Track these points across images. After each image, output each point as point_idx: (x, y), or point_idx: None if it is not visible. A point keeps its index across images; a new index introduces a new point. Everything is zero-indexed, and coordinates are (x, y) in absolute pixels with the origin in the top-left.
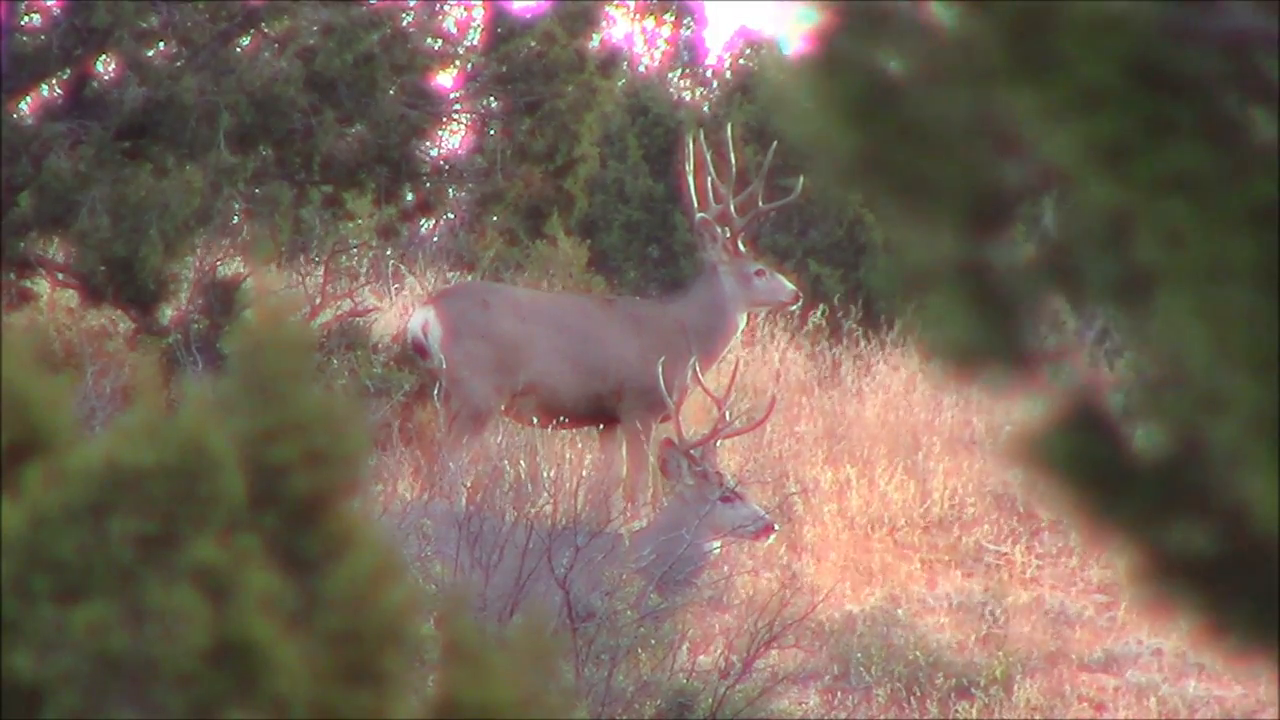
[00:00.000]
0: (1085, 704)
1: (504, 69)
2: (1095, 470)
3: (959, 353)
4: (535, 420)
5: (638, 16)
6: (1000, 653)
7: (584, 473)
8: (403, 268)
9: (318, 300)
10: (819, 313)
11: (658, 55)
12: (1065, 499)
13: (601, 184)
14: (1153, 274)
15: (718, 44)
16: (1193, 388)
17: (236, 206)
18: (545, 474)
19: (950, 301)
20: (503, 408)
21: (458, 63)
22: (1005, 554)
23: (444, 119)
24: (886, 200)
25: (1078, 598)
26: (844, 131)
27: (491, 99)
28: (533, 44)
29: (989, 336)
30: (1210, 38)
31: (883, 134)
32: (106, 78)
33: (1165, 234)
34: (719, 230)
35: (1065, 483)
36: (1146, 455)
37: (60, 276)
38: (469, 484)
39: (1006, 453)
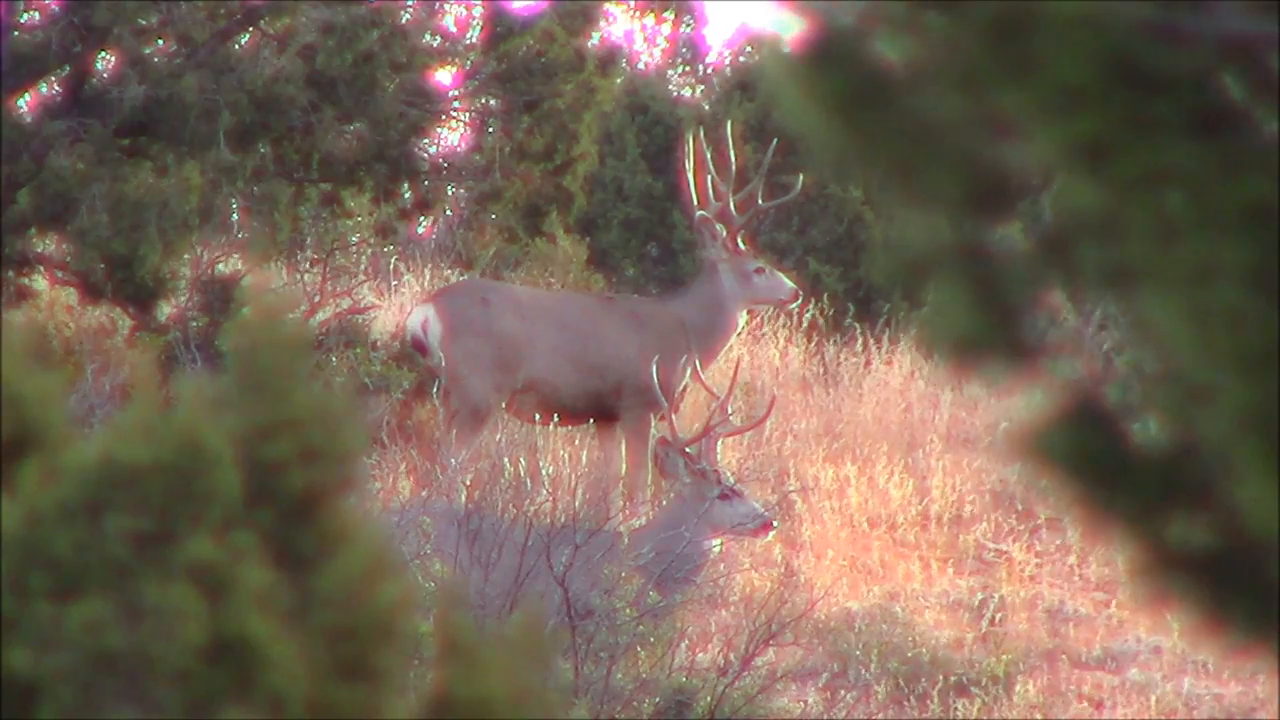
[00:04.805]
0: (1084, 702)
1: (503, 67)
2: (1095, 463)
3: (959, 345)
4: (536, 418)
5: (637, 14)
6: (999, 651)
7: (583, 470)
8: (401, 265)
9: (316, 298)
10: (818, 310)
11: (657, 53)
12: (1065, 492)
13: (601, 182)
14: (1140, 271)
15: (718, 42)
16: (1182, 384)
17: (235, 204)
18: (545, 471)
19: (949, 290)
20: (503, 405)
21: (457, 61)
22: (1004, 552)
23: (443, 117)
24: (884, 187)
25: (1076, 596)
26: (838, 125)
27: (490, 97)
28: (532, 42)
29: (989, 328)
30: (1204, 39)
31: (877, 126)
32: (106, 75)
33: (1150, 233)
34: (718, 228)
35: (1065, 476)
36: (1147, 449)
37: (59, 274)
38: (468, 482)
39: (1007, 447)
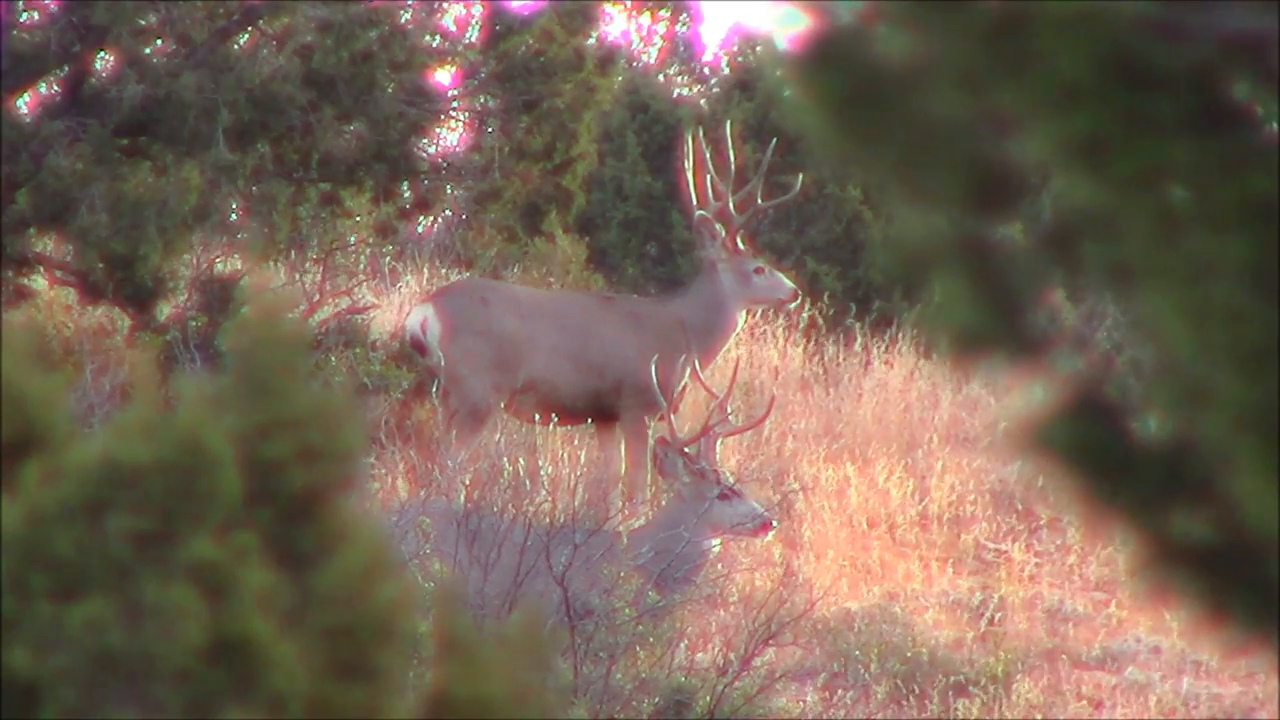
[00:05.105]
0: (1083, 701)
1: (502, 67)
2: (1097, 457)
3: (962, 338)
4: (536, 418)
5: (634, 13)
6: (998, 650)
7: (583, 470)
8: (400, 265)
9: (316, 298)
10: (817, 310)
11: (654, 52)
12: (1067, 486)
13: (600, 181)
14: (1140, 268)
15: (713, 41)
16: (1181, 381)
17: (235, 204)
18: (544, 471)
19: (953, 284)
20: (502, 405)
21: (456, 60)
22: (1003, 551)
23: (442, 116)
24: (885, 186)
25: (1076, 595)
26: (838, 124)
27: (489, 96)
28: (531, 42)
29: (992, 321)
30: (1204, 36)
31: (877, 125)
32: (105, 75)
33: (1149, 230)
34: (718, 228)
35: (1067, 470)
36: (1149, 443)
37: (59, 274)
38: (467, 482)
39: (1009, 441)
